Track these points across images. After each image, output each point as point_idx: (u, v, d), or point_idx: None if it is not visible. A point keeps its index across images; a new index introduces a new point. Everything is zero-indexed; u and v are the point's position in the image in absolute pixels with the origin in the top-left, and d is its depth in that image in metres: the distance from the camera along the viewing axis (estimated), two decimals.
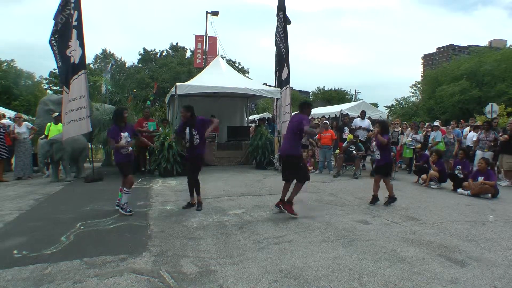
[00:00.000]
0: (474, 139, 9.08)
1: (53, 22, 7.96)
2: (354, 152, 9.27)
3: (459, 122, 12.20)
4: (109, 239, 4.02)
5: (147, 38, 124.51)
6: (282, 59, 10.50)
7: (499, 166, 8.69)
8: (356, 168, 9.29)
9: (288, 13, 10.34)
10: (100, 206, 5.22)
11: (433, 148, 9.27)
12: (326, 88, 51.77)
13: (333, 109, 18.37)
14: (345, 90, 51.01)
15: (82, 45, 7.69)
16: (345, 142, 9.74)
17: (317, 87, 54.05)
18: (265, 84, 13.53)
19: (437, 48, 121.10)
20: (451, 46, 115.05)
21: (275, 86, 11.11)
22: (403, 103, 41.66)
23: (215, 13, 18.22)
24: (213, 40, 18.88)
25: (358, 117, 11.63)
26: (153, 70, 40.90)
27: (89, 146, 8.66)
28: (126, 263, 3.30)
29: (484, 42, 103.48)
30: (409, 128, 10.80)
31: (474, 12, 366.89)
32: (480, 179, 6.78)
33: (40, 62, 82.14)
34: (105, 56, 43.33)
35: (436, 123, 10.64)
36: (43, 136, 8.63)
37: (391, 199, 5.92)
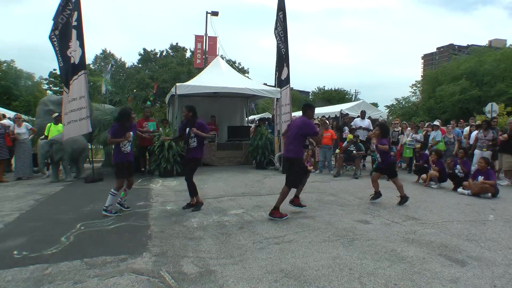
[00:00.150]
0: (473, 138, 9.08)
1: (52, 22, 7.96)
2: (354, 152, 9.27)
3: (459, 122, 12.20)
4: (109, 239, 4.02)
5: (147, 38, 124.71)
6: (281, 59, 10.50)
7: (498, 165, 8.67)
8: (356, 168, 9.29)
9: (288, 13, 10.34)
10: (100, 206, 5.21)
11: (433, 147, 9.27)
12: (326, 88, 51.84)
13: (333, 109, 18.41)
14: (345, 90, 51.05)
15: (82, 45, 7.69)
16: (345, 142, 9.74)
17: (317, 87, 54.18)
18: (265, 84, 13.54)
19: (437, 48, 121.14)
20: (451, 46, 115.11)
21: (275, 86, 11.12)
22: (403, 102, 41.69)
23: (215, 13, 18.22)
24: (213, 40, 18.87)
25: (358, 117, 11.63)
26: (153, 70, 40.90)
27: (89, 147, 8.66)
28: (127, 263, 3.30)
29: (484, 42, 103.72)
30: (409, 128, 10.81)
31: (474, 12, 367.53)
32: (480, 178, 6.78)
33: (40, 63, 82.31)
34: (105, 57, 43.39)
35: (436, 122, 10.65)
36: (43, 136, 8.64)
37: (403, 199, 5.85)
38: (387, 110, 38.29)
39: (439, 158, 8.05)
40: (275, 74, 10.99)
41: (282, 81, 10.49)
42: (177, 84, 9.94)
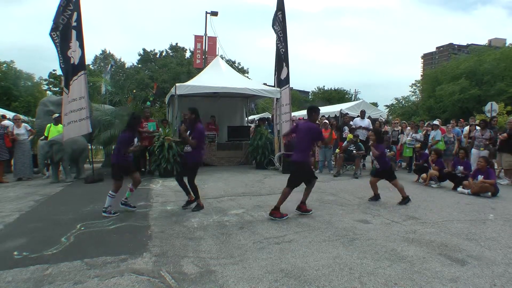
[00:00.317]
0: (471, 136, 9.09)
1: (51, 23, 7.96)
2: (354, 151, 9.27)
3: (458, 121, 12.21)
4: (109, 239, 4.02)
5: (146, 38, 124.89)
6: (281, 59, 10.50)
7: (497, 164, 8.67)
8: (356, 167, 9.29)
9: (288, 13, 10.36)
10: (100, 207, 5.21)
11: (432, 147, 9.27)
12: (326, 88, 51.90)
13: (333, 109, 18.36)
14: (345, 90, 51.12)
15: (81, 45, 7.69)
16: (345, 142, 9.74)
17: (317, 87, 54.24)
18: (264, 84, 13.53)
19: (437, 47, 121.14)
20: (450, 45, 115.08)
21: (274, 86, 11.12)
22: (403, 102, 41.76)
23: (214, 13, 18.22)
24: (213, 40, 18.86)
25: (358, 116, 11.63)
26: (152, 70, 40.88)
27: (89, 147, 8.66)
28: (127, 263, 3.30)
29: (483, 41, 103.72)
30: (408, 127, 10.81)
31: (474, 11, 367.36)
32: (480, 177, 6.78)
33: (40, 63, 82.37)
34: (105, 57, 43.33)
35: (436, 122, 10.65)
36: (43, 137, 8.64)
37: (405, 200, 5.86)
38: (387, 109, 38.34)
39: (439, 157, 8.05)
40: (275, 74, 10.99)
41: (281, 81, 10.49)
42: (176, 84, 9.94)
